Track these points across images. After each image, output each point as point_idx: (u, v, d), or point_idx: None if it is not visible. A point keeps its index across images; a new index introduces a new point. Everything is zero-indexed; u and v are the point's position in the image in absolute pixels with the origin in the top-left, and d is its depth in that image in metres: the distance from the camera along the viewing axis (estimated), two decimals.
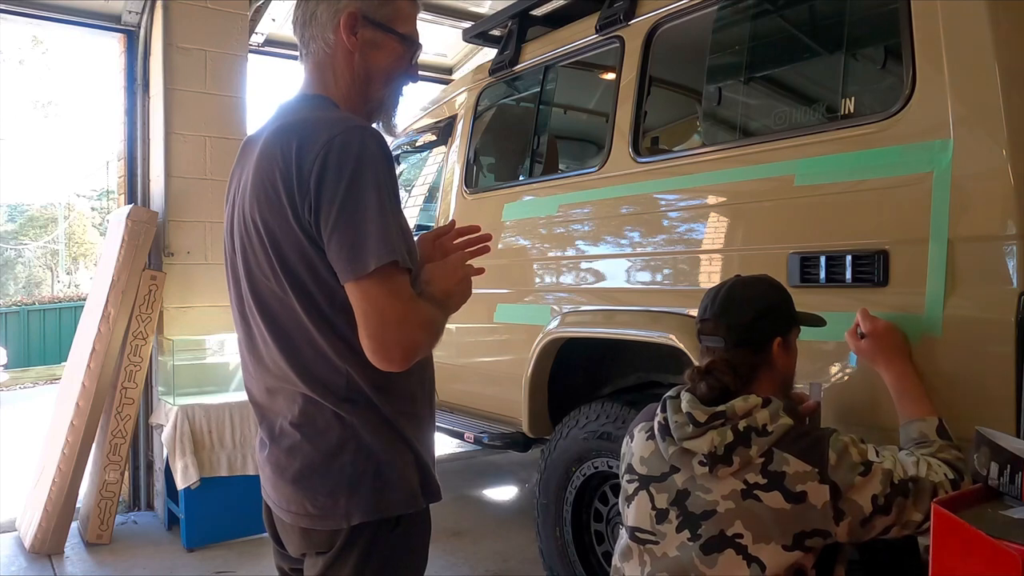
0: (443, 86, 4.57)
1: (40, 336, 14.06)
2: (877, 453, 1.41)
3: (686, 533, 1.42)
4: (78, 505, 3.68)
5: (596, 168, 2.56)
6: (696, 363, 1.53)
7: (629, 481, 1.56)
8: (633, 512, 1.52)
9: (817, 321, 1.66)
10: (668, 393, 1.54)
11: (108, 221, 4.43)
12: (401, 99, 1.39)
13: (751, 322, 1.53)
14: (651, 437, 1.53)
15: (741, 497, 1.37)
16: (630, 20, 2.52)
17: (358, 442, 1.21)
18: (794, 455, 1.37)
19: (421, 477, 1.27)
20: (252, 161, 1.24)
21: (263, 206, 1.19)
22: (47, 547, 3.48)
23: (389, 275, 1.13)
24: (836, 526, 1.36)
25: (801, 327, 1.63)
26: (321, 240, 1.15)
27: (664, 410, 1.50)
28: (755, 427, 1.39)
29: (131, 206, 3.85)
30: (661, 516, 1.46)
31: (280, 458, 1.26)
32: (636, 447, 1.56)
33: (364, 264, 1.11)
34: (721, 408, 1.43)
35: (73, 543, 3.61)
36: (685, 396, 1.48)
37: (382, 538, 1.22)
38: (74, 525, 3.70)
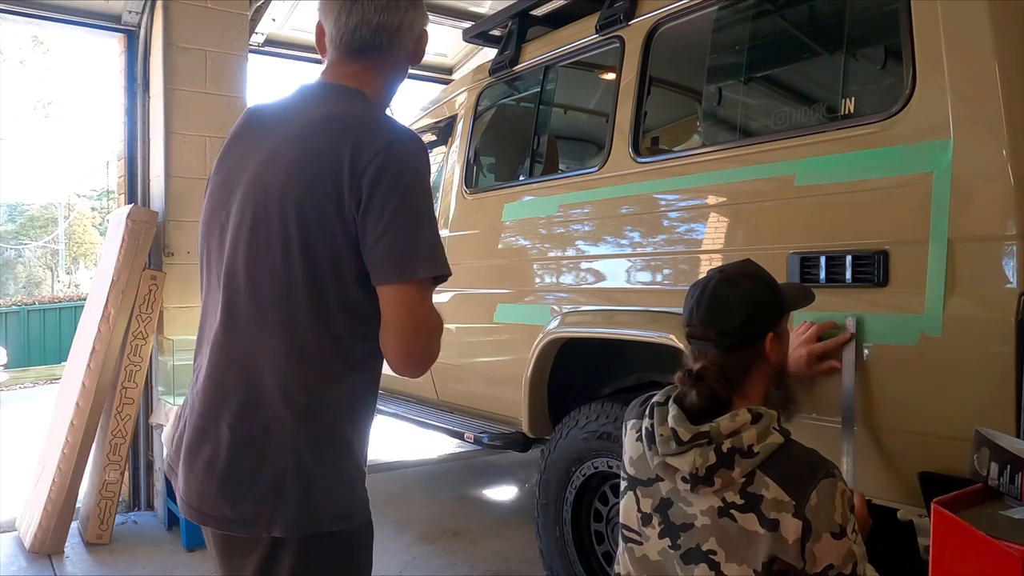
0: (443, 86, 4.56)
1: (40, 336, 14.07)
2: (856, 539, 1.32)
3: (667, 540, 1.39)
4: (78, 505, 3.67)
5: (596, 168, 2.56)
6: (688, 365, 1.48)
7: (623, 477, 1.53)
8: (623, 509, 1.50)
9: (806, 295, 1.60)
10: (656, 398, 1.47)
11: (108, 221, 4.42)
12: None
13: (741, 326, 1.44)
14: (640, 439, 1.48)
15: (717, 515, 1.33)
16: (630, 20, 2.52)
17: (296, 453, 1.17)
18: (776, 481, 1.30)
19: (353, 492, 1.23)
20: (288, 140, 1.21)
21: (300, 188, 1.16)
22: (47, 547, 3.48)
23: (429, 287, 1.16)
24: (804, 563, 1.29)
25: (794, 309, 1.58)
26: (360, 237, 1.15)
27: (651, 416, 1.44)
28: (740, 448, 1.32)
29: (131, 206, 3.85)
30: (646, 519, 1.44)
31: (211, 457, 1.20)
32: (627, 445, 1.53)
33: (413, 270, 1.13)
34: (705, 428, 1.35)
35: (73, 543, 3.60)
36: (672, 408, 1.41)
37: (314, 552, 1.18)
38: (74, 525, 3.69)
